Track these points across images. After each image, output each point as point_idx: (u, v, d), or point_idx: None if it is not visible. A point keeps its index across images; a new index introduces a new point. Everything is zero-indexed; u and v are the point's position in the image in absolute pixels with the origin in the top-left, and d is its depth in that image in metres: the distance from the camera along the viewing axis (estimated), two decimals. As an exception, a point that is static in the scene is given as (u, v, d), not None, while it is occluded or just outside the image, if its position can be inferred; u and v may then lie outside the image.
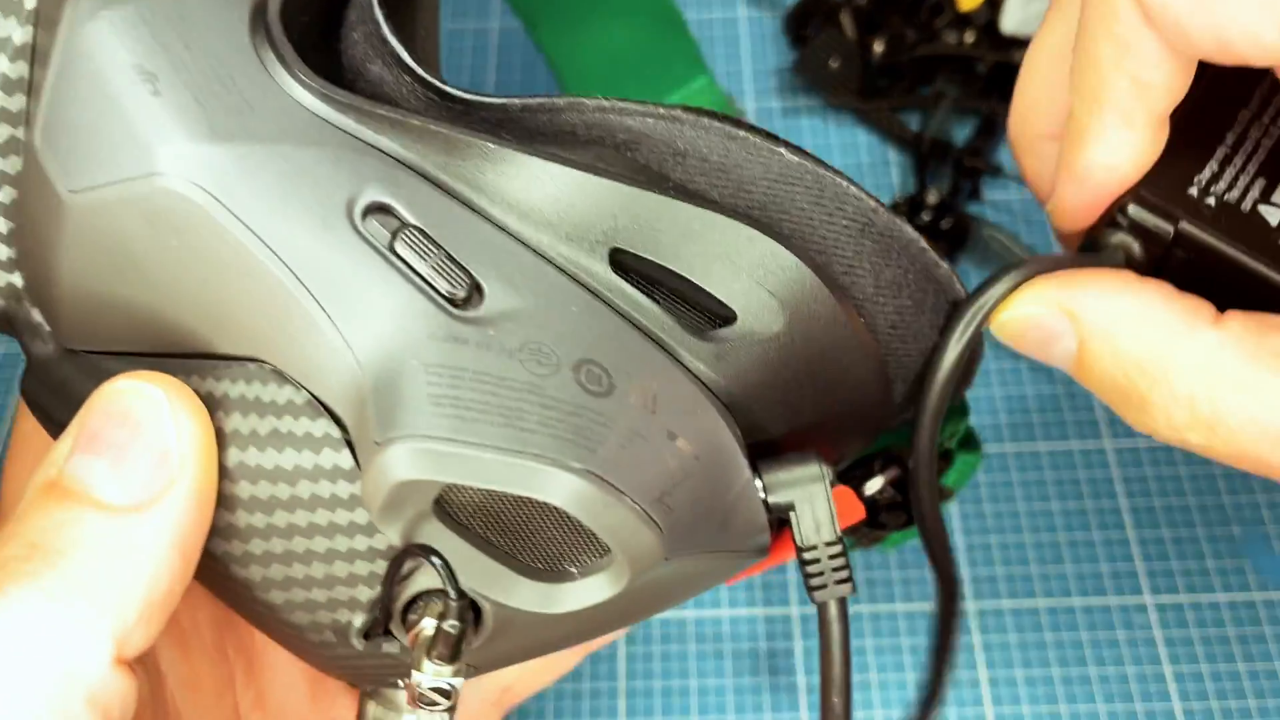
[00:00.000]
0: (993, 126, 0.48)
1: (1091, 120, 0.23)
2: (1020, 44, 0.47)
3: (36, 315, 0.23)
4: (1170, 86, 0.22)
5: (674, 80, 0.38)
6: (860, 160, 0.49)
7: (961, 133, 0.49)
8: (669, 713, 0.37)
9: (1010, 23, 0.47)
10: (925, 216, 0.45)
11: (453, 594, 0.20)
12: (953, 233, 0.44)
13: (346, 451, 0.20)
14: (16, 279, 0.23)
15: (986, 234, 0.44)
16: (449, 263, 0.20)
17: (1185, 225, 0.23)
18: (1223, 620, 0.38)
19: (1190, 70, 0.22)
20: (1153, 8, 0.20)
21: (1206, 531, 0.39)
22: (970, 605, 0.38)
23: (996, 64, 0.48)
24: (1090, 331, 0.22)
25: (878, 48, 0.48)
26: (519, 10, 0.40)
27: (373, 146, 0.21)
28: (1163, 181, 0.23)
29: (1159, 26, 0.20)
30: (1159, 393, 0.21)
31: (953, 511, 0.40)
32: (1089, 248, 0.25)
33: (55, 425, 0.22)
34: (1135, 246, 0.24)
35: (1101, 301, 0.22)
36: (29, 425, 0.26)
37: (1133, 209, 0.23)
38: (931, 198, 0.45)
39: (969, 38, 0.48)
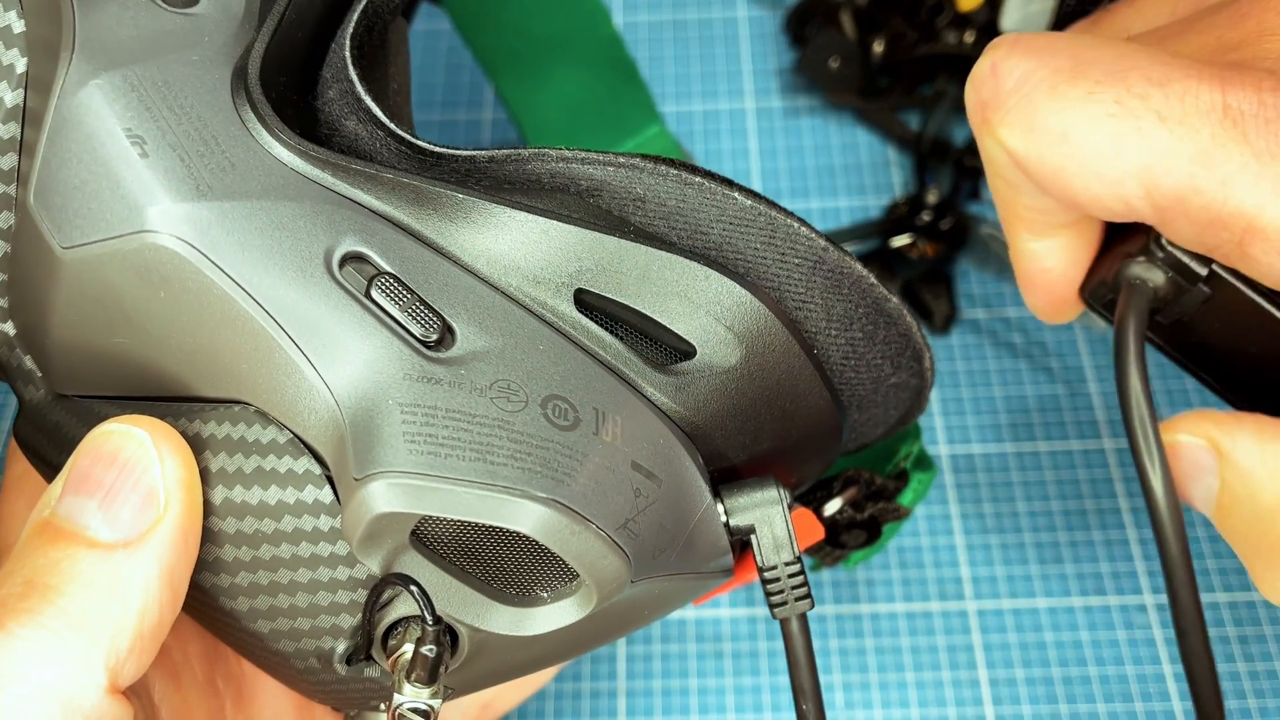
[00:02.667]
0: (993, 126, 0.48)
1: (1011, 235, 0.26)
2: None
3: (29, 362, 0.24)
4: (1064, 209, 0.24)
5: (628, 129, 0.39)
6: (860, 160, 0.49)
7: (961, 133, 0.49)
8: (669, 713, 0.37)
9: (1010, 22, 0.47)
10: (925, 216, 0.45)
11: (429, 620, 0.21)
12: (952, 233, 0.45)
13: (328, 487, 0.21)
14: (9, 327, 0.24)
15: (986, 234, 0.44)
16: (422, 307, 0.21)
17: (1218, 267, 0.23)
18: (1223, 620, 0.38)
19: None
20: (1027, 169, 0.22)
21: (1206, 531, 0.39)
22: (970, 605, 0.38)
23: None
24: (1236, 472, 0.22)
25: (878, 48, 0.48)
26: (481, 61, 0.41)
27: (349, 199, 0.22)
28: None
29: (1034, 181, 0.23)
30: None
31: (952, 512, 0.40)
32: (1098, 283, 0.25)
33: (49, 467, 0.24)
34: (1160, 280, 0.24)
35: (1254, 443, 0.22)
36: (21, 468, 0.27)
37: (1167, 242, 0.23)
38: (931, 198, 0.45)
39: (969, 37, 0.48)
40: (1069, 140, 0.21)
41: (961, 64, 0.48)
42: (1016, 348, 0.44)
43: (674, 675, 0.38)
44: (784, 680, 0.37)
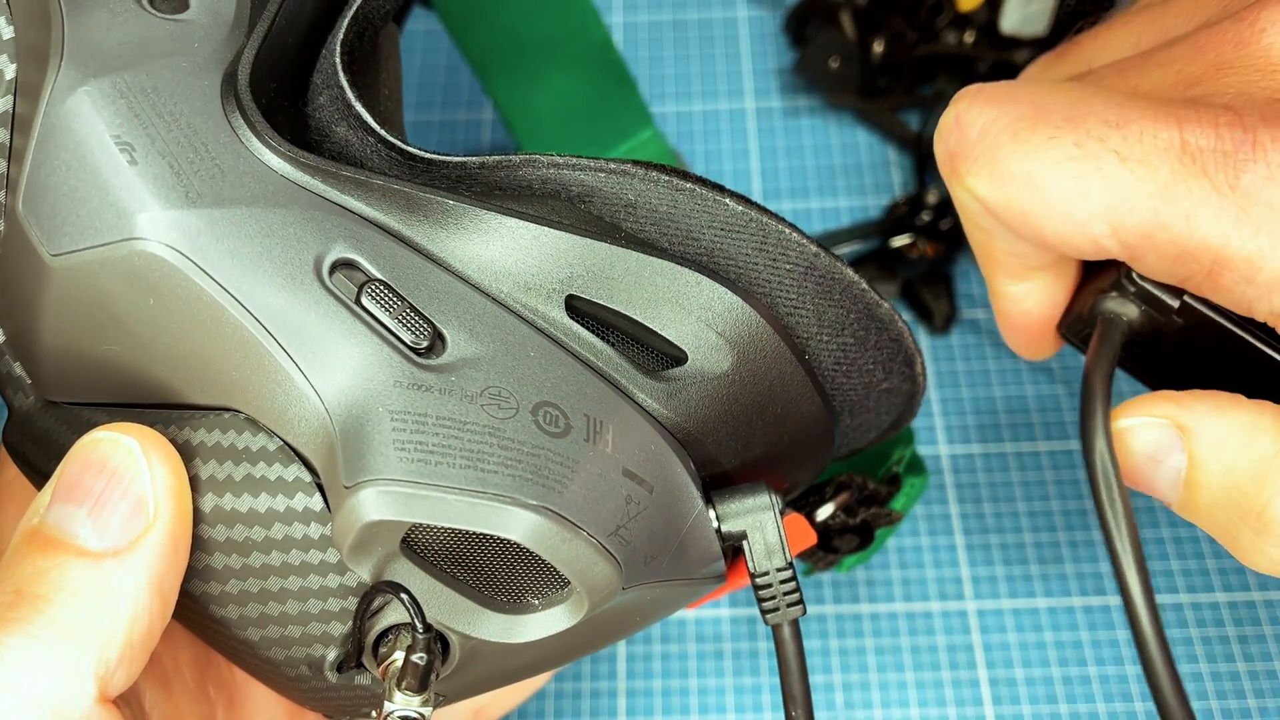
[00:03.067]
0: (993, 126, 0.48)
1: (990, 279, 0.27)
2: (1020, 44, 0.48)
3: (18, 369, 0.24)
4: (1039, 252, 0.25)
5: (621, 132, 0.39)
6: (860, 160, 0.49)
7: (961, 133, 0.49)
8: (669, 713, 0.37)
9: (1010, 23, 0.47)
10: (925, 216, 0.45)
11: (419, 627, 0.21)
12: (953, 233, 0.45)
13: (318, 495, 0.21)
14: None
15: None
16: (412, 313, 0.21)
17: (1189, 298, 0.24)
18: (1222, 620, 0.38)
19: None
20: (996, 214, 0.23)
21: (1206, 531, 0.39)
22: (970, 605, 0.38)
23: (996, 64, 0.48)
24: (1205, 444, 0.22)
25: (878, 48, 0.48)
26: (472, 63, 0.41)
27: (339, 205, 0.22)
28: None
29: (1005, 226, 0.23)
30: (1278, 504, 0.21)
31: (952, 512, 0.40)
32: (1075, 317, 0.26)
33: (39, 474, 0.24)
34: (1134, 313, 0.24)
35: (1214, 415, 0.22)
36: (11, 474, 0.27)
37: (1138, 277, 0.24)
38: (931, 198, 0.45)
39: (969, 38, 0.48)
40: (1034, 184, 0.22)
41: (961, 64, 0.48)
42: (1016, 348, 0.44)
43: (674, 675, 0.38)
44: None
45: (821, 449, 0.26)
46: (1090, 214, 0.22)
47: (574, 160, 0.23)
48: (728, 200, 0.23)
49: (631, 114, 0.40)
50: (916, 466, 0.32)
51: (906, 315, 0.45)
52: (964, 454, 0.41)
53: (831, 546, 0.31)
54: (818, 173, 0.49)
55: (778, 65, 0.52)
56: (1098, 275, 0.26)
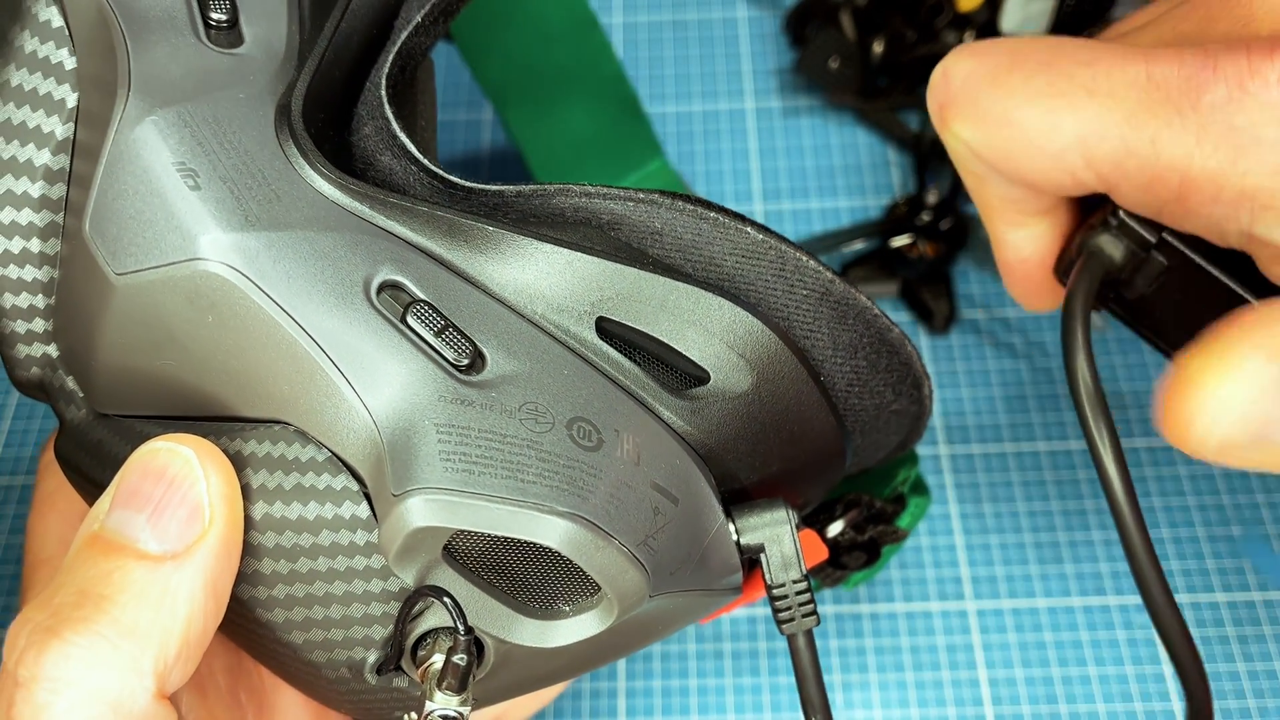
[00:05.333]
0: (992, 126, 0.48)
1: (990, 227, 0.28)
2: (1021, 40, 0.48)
3: (71, 382, 0.25)
4: (1031, 195, 0.26)
5: (631, 163, 0.41)
6: (860, 160, 0.49)
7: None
8: (669, 713, 0.37)
9: (1010, 22, 0.47)
10: (925, 216, 0.45)
11: (461, 630, 0.22)
12: (952, 233, 0.45)
13: (365, 503, 0.22)
14: (52, 349, 0.25)
15: (986, 235, 0.45)
16: (454, 332, 0.22)
17: (1168, 235, 0.24)
18: (1222, 620, 0.38)
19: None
20: (983, 157, 0.25)
21: (1206, 531, 0.39)
22: (970, 605, 0.38)
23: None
24: None
25: (877, 48, 0.48)
26: (490, 95, 0.43)
27: (385, 230, 0.23)
28: None
29: (992, 168, 0.25)
30: None
31: (952, 512, 0.40)
32: (1065, 258, 0.27)
33: (91, 483, 0.25)
34: (1120, 249, 0.25)
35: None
36: (52, 484, 0.29)
37: (1123, 213, 0.25)
38: (931, 198, 0.45)
39: (969, 38, 0.48)
40: (1011, 121, 0.23)
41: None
42: (1016, 348, 0.44)
43: (674, 675, 0.38)
44: (784, 680, 0.37)
45: (833, 467, 0.27)
46: (1064, 146, 0.23)
47: (604, 190, 0.24)
48: (749, 229, 0.24)
49: (642, 145, 0.41)
50: (920, 487, 0.33)
51: (906, 315, 0.45)
52: (964, 454, 0.41)
53: (840, 563, 0.33)
54: (817, 173, 0.49)
55: (778, 65, 0.52)
56: (1090, 219, 0.26)
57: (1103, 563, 0.39)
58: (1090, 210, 0.27)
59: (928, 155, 0.47)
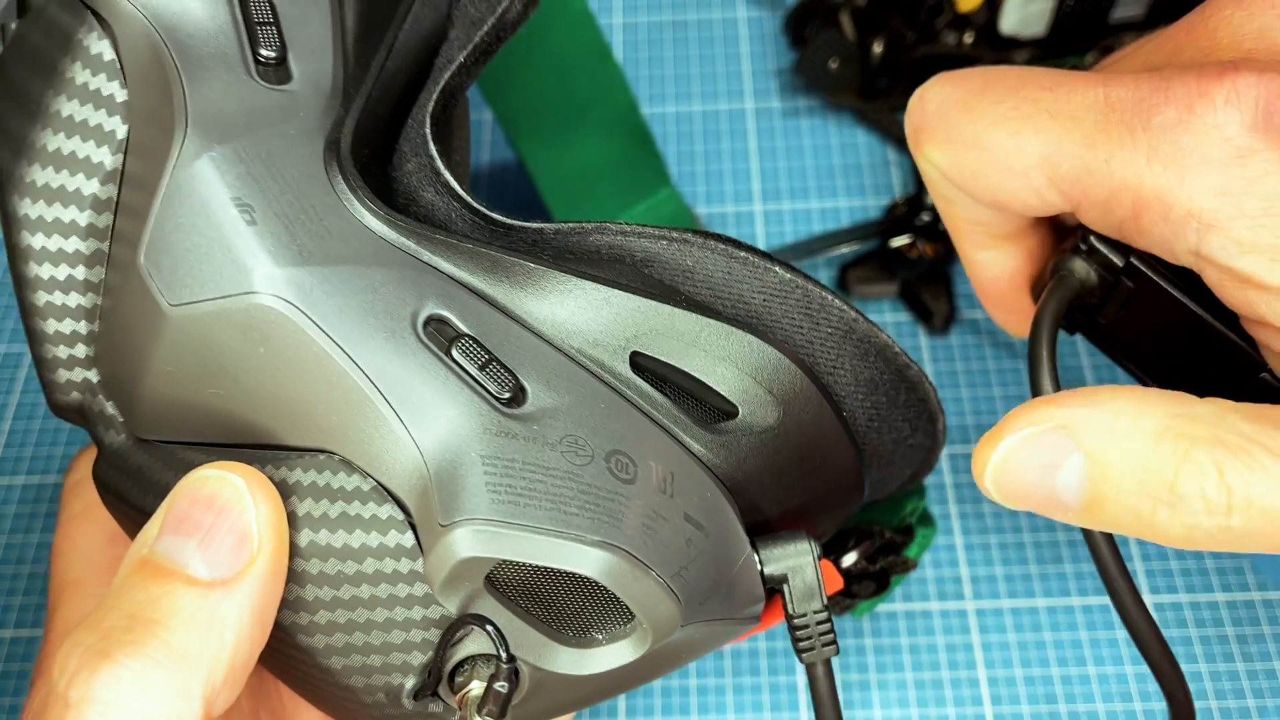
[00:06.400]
0: (992, 127, 0.48)
1: (959, 249, 0.29)
2: (1019, 44, 0.48)
3: (110, 408, 0.26)
4: (999, 219, 0.27)
5: (641, 192, 0.42)
6: (860, 160, 0.49)
7: (961, 133, 0.49)
8: (669, 712, 0.37)
9: (1009, 23, 0.47)
10: (925, 217, 0.45)
11: (504, 657, 0.23)
12: (952, 233, 0.45)
13: (409, 532, 0.23)
14: (93, 375, 0.26)
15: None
16: (498, 366, 0.23)
17: (1135, 260, 0.25)
18: (1221, 620, 0.38)
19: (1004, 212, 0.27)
20: (952, 179, 0.26)
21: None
22: (969, 605, 0.38)
23: (996, 65, 0.48)
24: (1094, 436, 0.22)
25: (877, 49, 0.48)
26: (505, 124, 0.43)
27: (430, 266, 0.24)
28: None
29: (962, 190, 0.26)
30: (1187, 470, 0.21)
31: (952, 512, 0.40)
32: (1040, 284, 0.27)
33: (130, 507, 0.25)
34: (1091, 273, 0.26)
35: (1093, 406, 0.22)
36: (78, 506, 0.29)
37: (1093, 238, 0.25)
38: (931, 198, 0.45)
39: (968, 38, 0.48)
40: (980, 143, 0.24)
41: (961, 65, 0.48)
42: (1015, 348, 0.44)
43: (674, 675, 0.38)
44: (784, 680, 0.37)
45: (852, 499, 0.28)
46: (1029, 166, 0.24)
47: (639, 228, 0.25)
48: (776, 268, 0.25)
49: (652, 174, 0.42)
50: (927, 518, 0.34)
51: (906, 315, 0.45)
52: (963, 454, 0.41)
53: (850, 592, 0.34)
54: (817, 173, 0.49)
55: (777, 66, 0.52)
56: (1063, 244, 0.27)
57: (1102, 562, 0.39)
58: (1062, 235, 0.28)
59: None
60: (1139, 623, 0.25)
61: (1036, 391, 0.25)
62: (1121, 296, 0.26)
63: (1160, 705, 0.36)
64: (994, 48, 0.48)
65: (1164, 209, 0.22)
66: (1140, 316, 0.26)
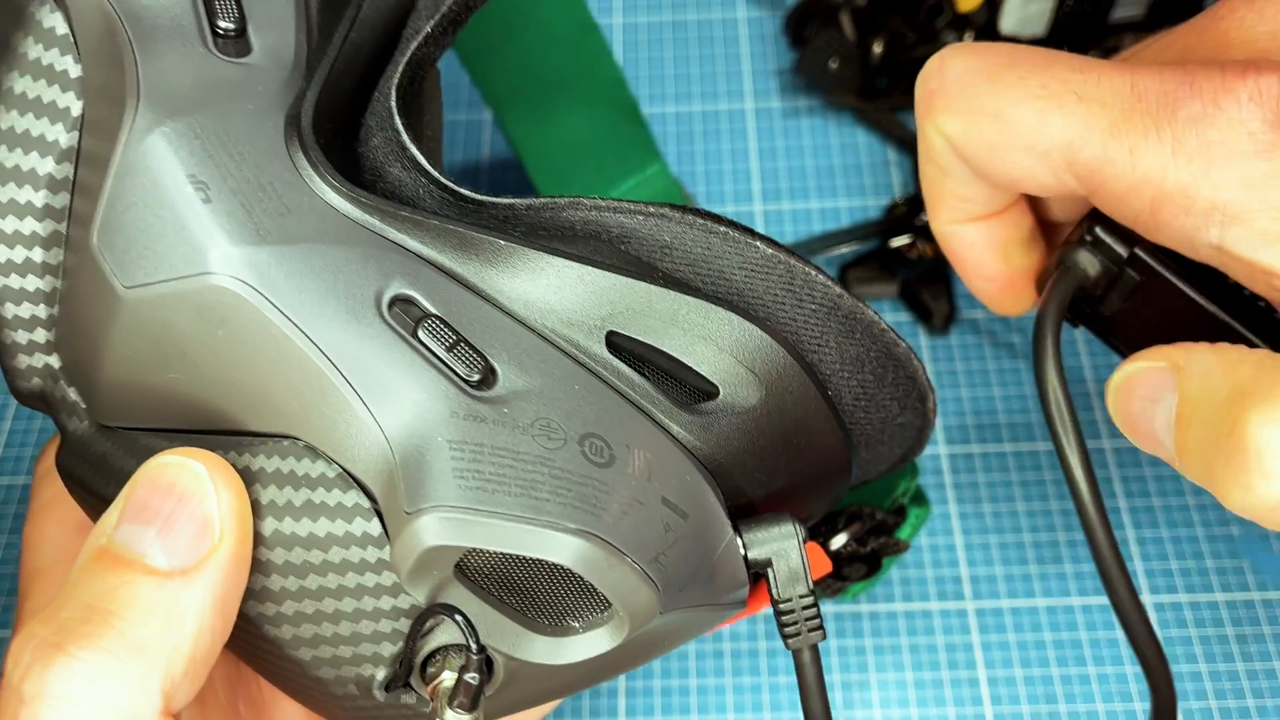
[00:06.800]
0: (992, 127, 0.48)
1: (932, 218, 0.29)
2: (1019, 44, 0.48)
3: (73, 394, 0.25)
4: (986, 198, 0.27)
5: (629, 167, 0.41)
6: (860, 160, 0.49)
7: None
8: (669, 712, 0.37)
9: (1009, 23, 0.47)
10: (925, 217, 0.45)
11: (474, 648, 0.22)
12: (952, 233, 0.45)
13: (375, 520, 0.22)
14: (54, 360, 0.25)
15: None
16: (466, 347, 0.22)
17: (1140, 250, 0.25)
18: (1222, 620, 0.38)
19: (1000, 191, 0.27)
20: (963, 151, 0.25)
21: (1206, 531, 0.39)
22: (969, 605, 0.38)
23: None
24: (1193, 379, 0.23)
25: (877, 48, 0.48)
26: (489, 99, 0.43)
27: (396, 244, 0.23)
28: None
29: (969, 163, 0.25)
30: (1252, 420, 0.21)
31: (952, 511, 0.40)
32: (1043, 285, 0.27)
33: (93, 496, 0.24)
34: (1095, 264, 0.26)
35: (1209, 353, 0.23)
36: (49, 493, 0.29)
37: (1099, 229, 0.25)
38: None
39: (968, 38, 0.48)
40: (1002, 118, 0.24)
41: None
42: (1015, 348, 0.44)
43: (674, 675, 0.38)
44: (784, 680, 0.37)
45: (839, 480, 0.27)
46: (1050, 147, 0.24)
47: (614, 203, 0.24)
48: (758, 243, 0.24)
49: (640, 150, 0.41)
50: (921, 498, 0.33)
51: (906, 315, 0.45)
52: (963, 453, 0.41)
53: (841, 575, 0.33)
54: (817, 173, 0.49)
55: (777, 66, 0.52)
56: (1068, 235, 0.27)
57: (1102, 562, 0.39)
58: (1039, 210, 0.28)
59: (927, 155, 0.47)
60: (1130, 611, 0.25)
61: (1041, 385, 0.25)
62: (1126, 288, 0.26)
63: (1160, 705, 0.36)
64: (994, 48, 0.48)
65: (1187, 202, 0.22)
66: (1145, 308, 0.26)
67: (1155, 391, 0.24)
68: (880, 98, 0.49)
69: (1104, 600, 0.38)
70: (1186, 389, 0.23)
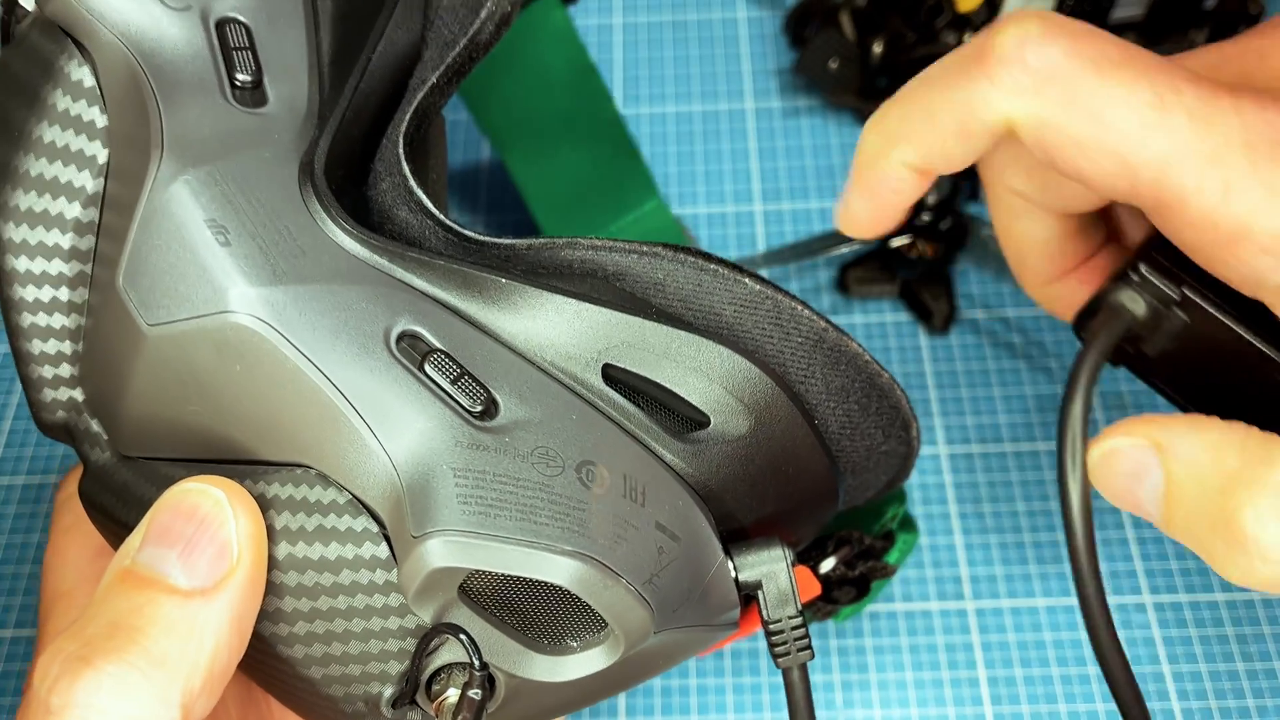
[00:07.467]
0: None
1: (993, 212, 0.29)
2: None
3: (95, 425, 0.26)
4: (1029, 183, 0.26)
5: (628, 203, 0.42)
6: (860, 160, 0.49)
7: (961, 133, 0.49)
8: (669, 712, 0.37)
9: (1009, 23, 0.47)
10: (925, 217, 0.45)
11: (477, 665, 0.23)
12: (952, 233, 0.45)
13: (384, 544, 0.23)
14: (78, 393, 0.26)
15: (985, 235, 0.45)
16: (469, 380, 0.23)
17: (1189, 290, 0.25)
18: (1221, 619, 0.38)
19: (1052, 185, 0.26)
20: (1038, 138, 0.23)
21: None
22: (969, 604, 0.38)
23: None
24: (1179, 461, 0.23)
25: (877, 49, 0.48)
26: (491, 138, 0.44)
27: (404, 283, 0.24)
28: (1173, 248, 0.24)
29: (1038, 150, 0.24)
30: (1247, 514, 0.22)
31: (952, 511, 0.40)
32: (1089, 313, 0.26)
33: (115, 522, 0.26)
34: (1140, 305, 0.25)
35: (1190, 432, 0.23)
36: (68, 520, 0.30)
37: (1144, 268, 0.25)
38: (931, 198, 0.45)
39: (968, 38, 0.48)
40: (1102, 121, 0.22)
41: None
42: (1015, 348, 0.44)
43: (674, 675, 0.38)
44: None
45: (826, 506, 0.28)
46: (1144, 162, 0.22)
47: (610, 243, 0.25)
48: (746, 280, 0.25)
49: (637, 186, 0.43)
50: (909, 524, 0.35)
51: (906, 315, 0.45)
52: (963, 453, 0.41)
53: (831, 598, 0.34)
54: (817, 173, 0.49)
55: (777, 66, 0.52)
56: (1113, 272, 0.27)
57: (1102, 562, 0.39)
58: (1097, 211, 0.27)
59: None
60: (1110, 653, 0.25)
61: (1064, 416, 0.24)
62: (1172, 328, 0.25)
63: (1160, 705, 0.36)
64: (994, 48, 0.48)
65: (1270, 243, 0.22)
66: (1191, 347, 0.25)
67: (1138, 469, 0.24)
68: (880, 98, 0.49)
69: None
70: (1173, 472, 0.23)
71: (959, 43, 0.48)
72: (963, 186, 0.46)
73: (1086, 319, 0.27)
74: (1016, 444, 0.42)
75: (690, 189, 0.49)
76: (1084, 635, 0.38)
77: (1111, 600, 0.38)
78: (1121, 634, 0.38)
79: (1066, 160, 0.23)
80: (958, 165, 0.26)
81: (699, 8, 0.54)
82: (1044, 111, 0.23)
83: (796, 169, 0.49)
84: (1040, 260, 0.29)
